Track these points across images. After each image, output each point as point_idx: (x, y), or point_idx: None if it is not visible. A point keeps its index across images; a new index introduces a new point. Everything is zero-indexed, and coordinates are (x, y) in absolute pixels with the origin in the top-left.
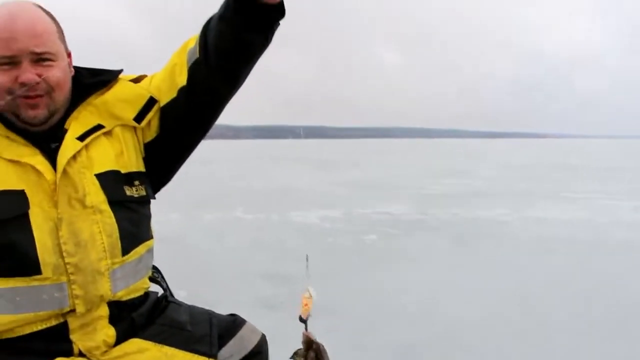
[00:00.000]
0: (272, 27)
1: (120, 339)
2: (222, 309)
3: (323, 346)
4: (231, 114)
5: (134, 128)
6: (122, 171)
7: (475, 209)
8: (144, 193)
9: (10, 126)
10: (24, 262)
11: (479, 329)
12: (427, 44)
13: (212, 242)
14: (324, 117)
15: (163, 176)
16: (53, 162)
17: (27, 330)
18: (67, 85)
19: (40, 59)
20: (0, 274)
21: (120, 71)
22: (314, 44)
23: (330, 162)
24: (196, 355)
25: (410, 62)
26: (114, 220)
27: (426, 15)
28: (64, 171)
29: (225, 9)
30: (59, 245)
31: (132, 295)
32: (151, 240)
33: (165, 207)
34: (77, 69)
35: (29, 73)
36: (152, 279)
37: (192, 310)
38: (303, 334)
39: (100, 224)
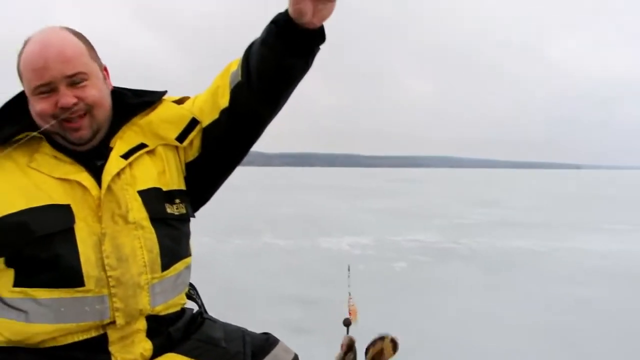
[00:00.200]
0: (313, 52)
1: (156, 353)
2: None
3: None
4: (262, 140)
5: (176, 147)
6: (164, 189)
7: (508, 239)
8: (184, 211)
9: (58, 147)
10: (68, 275)
11: None
12: (458, 72)
13: (242, 266)
14: (355, 145)
15: (203, 195)
16: (98, 179)
17: (69, 340)
18: (106, 100)
19: (74, 81)
20: (46, 285)
21: (164, 92)
22: (345, 72)
23: (361, 189)
24: None
25: (441, 91)
26: (154, 236)
27: (457, 44)
28: (108, 188)
29: (267, 33)
30: (101, 259)
31: (170, 310)
32: (189, 258)
33: (197, 231)
34: (121, 89)
35: (66, 97)
36: (188, 296)
37: (227, 328)
38: (345, 337)
39: (142, 239)
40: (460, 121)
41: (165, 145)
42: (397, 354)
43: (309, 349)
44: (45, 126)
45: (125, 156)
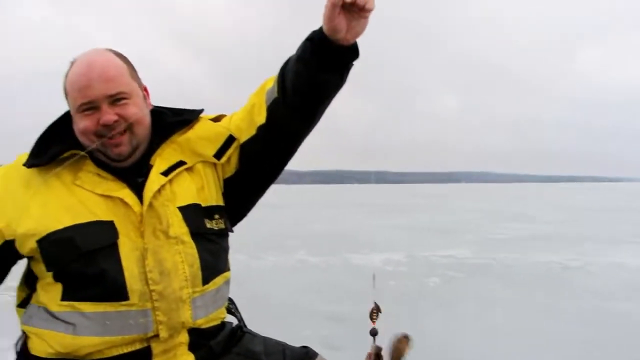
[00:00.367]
0: (347, 68)
1: None
2: None
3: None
4: (294, 158)
5: (214, 164)
6: (203, 205)
7: (541, 253)
8: (223, 226)
9: (100, 164)
10: (113, 289)
11: None
12: (489, 87)
13: (275, 282)
14: (386, 162)
15: (240, 211)
16: (139, 196)
17: (114, 352)
18: (145, 118)
19: (115, 99)
20: (92, 299)
21: (201, 111)
22: (375, 89)
23: (391, 206)
24: None
25: (469, 104)
26: (195, 250)
27: (487, 59)
28: (150, 204)
29: (302, 50)
30: (144, 273)
31: (211, 324)
32: (228, 272)
33: (231, 248)
34: (160, 108)
35: (107, 114)
36: (228, 310)
37: (266, 342)
38: (372, 346)
39: (183, 254)
40: (489, 135)
41: (204, 162)
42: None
43: None
44: (91, 146)
45: (165, 173)
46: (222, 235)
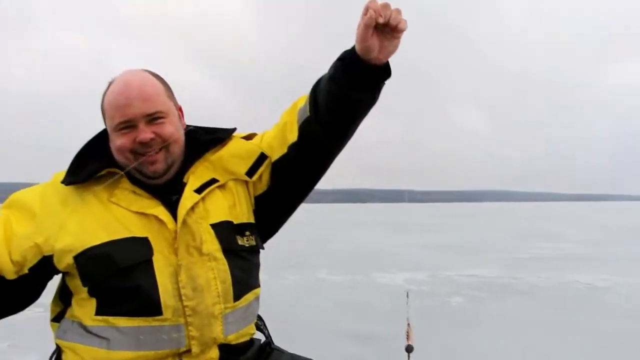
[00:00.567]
0: (379, 86)
1: None
2: None
3: None
4: None
5: (246, 182)
6: (235, 222)
7: (568, 273)
8: (254, 243)
9: (135, 181)
10: (147, 304)
11: None
12: (512, 105)
13: (298, 302)
14: (406, 181)
15: (271, 228)
16: (173, 213)
17: None
18: (180, 137)
19: (152, 118)
20: (126, 313)
21: (234, 129)
22: (396, 107)
23: (414, 225)
24: None
25: (492, 122)
26: (227, 267)
27: (509, 76)
28: (184, 221)
29: (334, 69)
30: (178, 289)
31: (241, 340)
32: (259, 289)
33: None
34: (194, 127)
35: (144, 133)
36: (256, 326)
37: (295, 358)
38: None
39: (215, 270)
40: (513, 153)
41: (236, 179)
42: None
43: None
44: (129, 166)
45: (198, 191)
46: (253, 252)
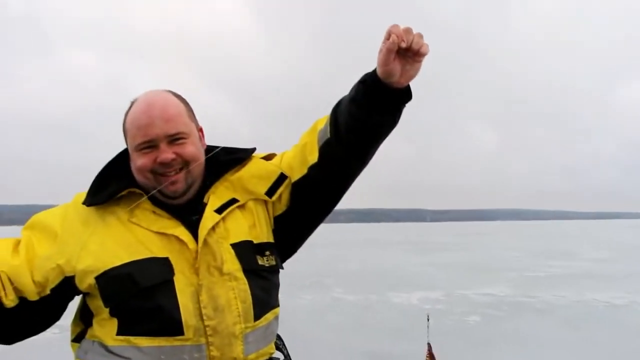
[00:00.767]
0: (400, 109)
1: None
2: None
3: None
4: None
5: (265, 202)
6: (255, 242)
7: (585, 291)
8: (273, 263)
9: (155, 201)
10: (169, 324)
11: None
12: (525, 122)
13: (313, 321)
14: (420, 200)
15: (290, 247)
16: (194, 233)
17: None
18: (201, 157)
19: (174, 139)
20: (148, 333)
21: (253, 149)
22: (410, 127)
23: (428, 244)
24: None
25: (506, 140)
26: (247, 287)
27: (523, 92)
28: (205, 241)
29: (355, 92)
30: (199, 309)
31: (261, 359)
32: (278, 308)
33: None
34: (213, 148)
35: (165, 153)
36: (275, 346)
37: None
38: None
39: (236, 290)
40: (526, 172)
41: (256, 199)
42: None
43: None
44: (150, 187)
45: (219, 211)
46: (273, 271)
